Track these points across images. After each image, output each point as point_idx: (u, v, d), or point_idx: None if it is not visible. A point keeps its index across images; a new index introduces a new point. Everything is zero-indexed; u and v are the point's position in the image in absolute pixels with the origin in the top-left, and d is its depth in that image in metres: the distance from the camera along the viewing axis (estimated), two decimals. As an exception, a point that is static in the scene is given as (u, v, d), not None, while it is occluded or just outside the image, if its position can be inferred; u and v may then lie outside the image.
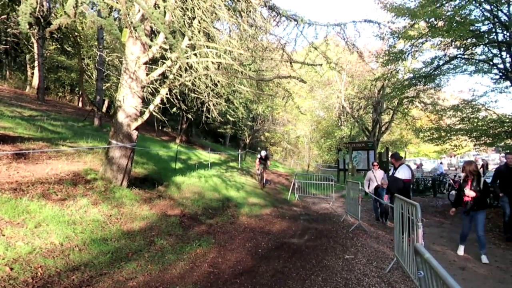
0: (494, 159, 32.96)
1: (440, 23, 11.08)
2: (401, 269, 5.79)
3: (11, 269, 3.98)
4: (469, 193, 6.68)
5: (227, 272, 5.69)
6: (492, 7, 10.47)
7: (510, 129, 11.67)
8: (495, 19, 10.64)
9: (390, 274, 5.79)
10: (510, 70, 11.22)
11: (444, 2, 11.14)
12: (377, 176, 10.90)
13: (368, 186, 11.22)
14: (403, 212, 5.58)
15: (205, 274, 5.44)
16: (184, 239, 6.79)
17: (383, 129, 25.95)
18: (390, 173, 8.83)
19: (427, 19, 11.13)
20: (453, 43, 12.56)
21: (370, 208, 12.99)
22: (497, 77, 12.69)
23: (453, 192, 13.71)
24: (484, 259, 6.58)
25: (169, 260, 5.67)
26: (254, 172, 19.61)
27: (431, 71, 13.80)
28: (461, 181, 7.26)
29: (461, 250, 7.13)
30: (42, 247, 4.61)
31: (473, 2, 10.31)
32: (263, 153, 16.87)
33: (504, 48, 11.16)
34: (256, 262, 6.32)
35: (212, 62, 7.93)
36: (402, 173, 8.35)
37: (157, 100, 7.83)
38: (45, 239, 4.80)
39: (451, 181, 16.42)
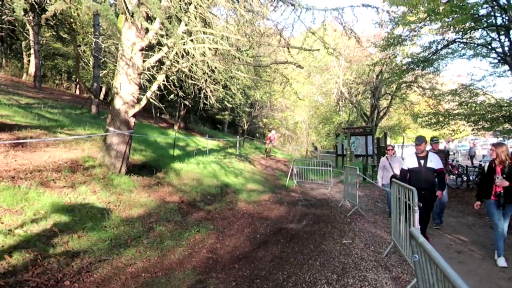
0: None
1: (440, 9, 10.98)
2: (398, 253, 5.84)
3: (11, 256, 4.01)
4: (502, 182, 5.48)
5: (226, 257, 5.74)
6: (491, -11, 10.38)
7: (508, 114, 11.67)
8: (494, 2, 10.55)
9: (387, 258, 5.84)
10: (508, 54, 11.16)
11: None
12: (393, 164, 8.93)
13: (382, 178, 9.27)
14: (400, 197, 5.62)
15: (203, 259, 5.49)
16: (182, 225, 6.83)
17: (381, 114, 25.90)
18: (407, 163, 6.69)
19: (425, 8, 11.03)
20: (451, 27, 12.47)
21: (369, 192, 13.05)
22: (496, 61, 12.65)
23: (452, 176, 13.73)
24: (502, 262, 5.48)
25: (168, 246, 5.71)
26: (253, 159, 19.66)
27: (429, 56, 13.74)
28: (486, 167, 5.97)
29: (502, 261, 5.49)
30: (41, 235, 4.63)
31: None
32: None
33: (502, 32, 11.08)
34: (255, 247, 6.37)
35: (209, 48, 7.88)
36: (435, 162, 6.50)
37: (154, 87, 7.80)
38: (44, 227, 4.83)
39: (449, 166, 16.48)
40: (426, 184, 6.35)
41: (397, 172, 8.32)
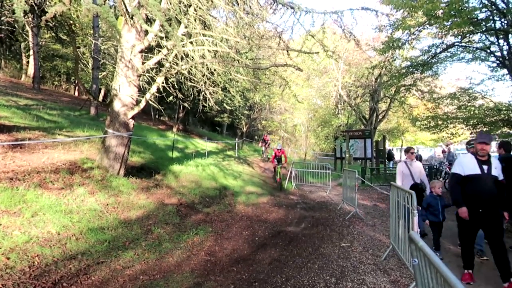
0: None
1: (439, 12, 11.02)
2: (397, 256, 5.83)
3: (8, 258, 3.99)
4: None
5: (224, 260, 5.73)
6: (490, -6, 10.42)
7: (506, 117, 11.69)
8: (493, 6, 10.58)
9: (386, 262, 5.83)
10: (507, 58, 11.19)
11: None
12: (414, 170, 7.39)
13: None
14: (399, 200, 5.61)
15: (202, 262, 5.47)
16: (181, 227, 6.82)
17: (380, 117, 25.90)
18: (464, 166, 4.99)
19: (425, 11, 11.06)
20: (450, 31, 12.51)
21: (367, 196, 13.03)
22: (494, 65, 12.70)
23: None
24: None
25: (166, 249, 5.70)
26: (251, 161, 19.64)
27: (428, 59, 13.77)
28: None
29: None
30: (39, 236, 4.61)
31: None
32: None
33: (501, 36, 11.12)
34: (253, 250, 6.36)
35: (209, 51, 7.89)
36: (499, 169, 4.98)
37: (153, 89, 7.79)
38: (41, 228, 4.81)
39: (447, 168, 16.47)
40: (489, 197, 4.76)
41: (418, 179, 7.26)
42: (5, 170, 6.04)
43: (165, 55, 7.76)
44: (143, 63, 7.88)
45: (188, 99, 13.08)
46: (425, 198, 6.71)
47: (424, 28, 12.91)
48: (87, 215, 5.73)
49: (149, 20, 8.23)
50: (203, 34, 7.75)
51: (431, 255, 2.34)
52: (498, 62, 12.10)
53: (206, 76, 8.48)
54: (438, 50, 13.38)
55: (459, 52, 13.43)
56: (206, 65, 8.14)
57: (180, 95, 9.85)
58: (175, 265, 5.21)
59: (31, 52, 20.95)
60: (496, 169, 4.90)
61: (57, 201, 5.68)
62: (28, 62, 23.19)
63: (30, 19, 16.23)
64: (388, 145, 33.24)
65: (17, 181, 5.76)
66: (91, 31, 18.70)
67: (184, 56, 7.85)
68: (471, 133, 14.40)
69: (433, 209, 6.33)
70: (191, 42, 7.77)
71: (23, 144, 7.37)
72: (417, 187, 7.06)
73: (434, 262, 2.25)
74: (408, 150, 7.85)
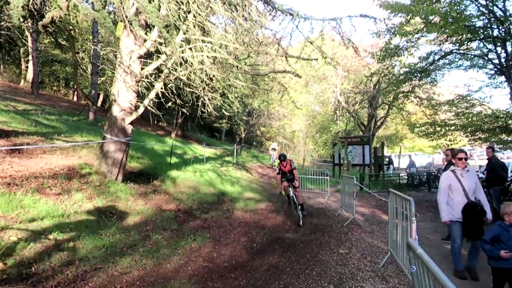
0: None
1: (436, 19, 11.08)
2: (395, 263, 5.82)
3: (5, 264, 3.97)
4: None
5: (222, 266, 5.72)
6: (487, 2, 10.49)
7: (504, 124, 11.73)
8: (491, 14, 10.66)
9: (384, 269, 5.82)
10: (505, 65, 11.25)
11: (440, -3, 11.14)
12: (467, 183, 5.34)
13: (447, 206, 5.48)
14: (397, 207, 5.61)
15: (200, 268, 5.46)
16: (179, 233, 6.80)
17: (378, 123, 25.92)
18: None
19: (423, 16, 11.12)
20: (448, 38, 12.58)
21: (366, 202, 13.01)
22: (492, 72, 12.76)
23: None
24: None
25: (164, 255, 5.68)
26: (250, 167, 19.62)
27: (426, 66, 13.84)
28: None
29: None
30: (36, 242, 4.59)
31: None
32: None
33: (499, 43, 11.19)
34: (251, 256, 6.35)
35: (207, 57, 7.91)
36: None
37: (152, 94, 7.80)
38: (39, 234, 4.79)
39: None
40: None
41: (473, 197, 5.32)
42: (3, 175, 6.03)
43: (164, 61, 7.78)
44: (142, 68, 7.90)
45: (187, 104, 13.09)
46: (490, 228, 4.56)
47: (422, 36, 12.99)
48: (84, 221, 5.71)
49: (148, 26, 8.24)
50: (202, 40, 7.77)
51: (430, 263, 2.34)
52: (496, 69, 12.16)
53: (205, 82, 8.50)
54: (437, 57, 13.46)
55: (457, 59, 13.51)
56: (205, 71, 8.16)
57: (179, 101, 9.87)
58: (173, 271, 5.19)
59: (30, 57, 21.02)
60: None
61: (55, 206, 5.66)
62: (27, 67, 23.23)
63: (29, 24, 16.25)
64: (387, 152, 33.25)
65: (15, 186, 5.75)
66: (91, 37, 18.76)
67: (183, 62, 7.87)
68: (469, 140, 14.43)
69: (504, 246, 4.23)
70: (190, 48, 7.79)
71: (21, 149, 7.36)
72: (474, 209, 5.17)
73: (432, 269, 2.25)
74: (455, 154, 5.64)
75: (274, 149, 23.68)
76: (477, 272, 5.32)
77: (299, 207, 9.47)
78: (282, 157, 10.26)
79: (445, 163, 8.31)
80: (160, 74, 8.26)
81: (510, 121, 11.55)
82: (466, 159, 5.46)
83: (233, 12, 8.12)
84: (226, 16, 8.02)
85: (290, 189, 9.82)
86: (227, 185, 12.34)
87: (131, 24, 6.12)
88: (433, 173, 18.35)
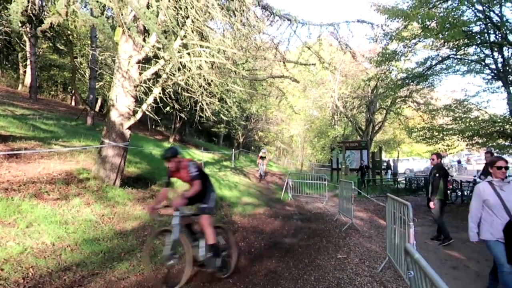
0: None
1: (433, 24, 11.14)
2: (393, 268, 5.82)
3: (2, 269, 3.96)
4: None
5: (220, 271, 5.69)
6: (484, 7, 10.55)
7: (502, 129, 11.75)
8: (487, 19, 10.72)
9: (382, 274, 5.81)
10: (501, 70, 11.31)
11: (437, 3, 11.21)
12: (506, 196, 4.23)
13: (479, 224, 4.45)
14: (395, 212, 5.61)
15: (197, 273, 5.44)
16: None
17: (376, 128, 25.99)
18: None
19: (419, 21, 11.17)
20: (445, 43, 12.64)
21: (364, 207, 13.00)
22: (489, 77, 12.80)
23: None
24: None
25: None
26: (248, 172, 19.60)
27: (424, 71, 13.88)
28: None
29: None
30: (34, 247, 4.58)
31: (465, 2, 10.38)
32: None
33: (496, 49, 11.25)
34: (249, 261, 6.33)
35: (206, 62, 7.92)
36: None
37: (150, 99, 7.81)
38: (36, 239, 4.78)
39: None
40: None
41: None
42: (0, 180, 6.02)
43: (162, 66, 7.79)
44: (140, 73, 7.91)
45: (185, 109, 13.11)
46: None
47: (419, 41, 13.05)
48: (82, 226, 5.70)
49: (147, 31, 8.27)
50: (200, 45, 7.79)
51: (427, 268, 2.35)
52: (493, 74, 12.21)
53: (203, 86, 8.52)
54: (434, 62, 13.51)
55: (454, 65, 13.56)
56: (203, 76, 8.17)
57: (177, 106, 9.87)
58: (171, 276, 5.18)
59: (28, 62, 21.03)
60: None
61: (53, 211, 5.65)
62: (25, 71, 23.24)
63: (28, 29, 16.26)
64: (385, 156, 33.32)
65: (13, 192, 5.74)
66: (89, 42, 18.80)
67: (181, 67, 7.88)
68: (467, 145, 14.44)
69: None
70: (188, 53, 7.81)
71: (19, 154, 7.35)
72: None
73: (430, 275, 2.26)
74: (494, 162, 4.46)
75: (263, 158, 19.46)
76: None
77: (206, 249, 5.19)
78: (169, 154, 5.52)
79: (432, 166, 8.23)
80: (158, 79, 8.27)
81: (507, 126, 11.56)
82: (507, 168, 4.34)
83: (231, 17, 8.16)
84: (224, 22, 8.05)
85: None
86: (225, 190, 12.32)
87: (129, 30, 6.15)
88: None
